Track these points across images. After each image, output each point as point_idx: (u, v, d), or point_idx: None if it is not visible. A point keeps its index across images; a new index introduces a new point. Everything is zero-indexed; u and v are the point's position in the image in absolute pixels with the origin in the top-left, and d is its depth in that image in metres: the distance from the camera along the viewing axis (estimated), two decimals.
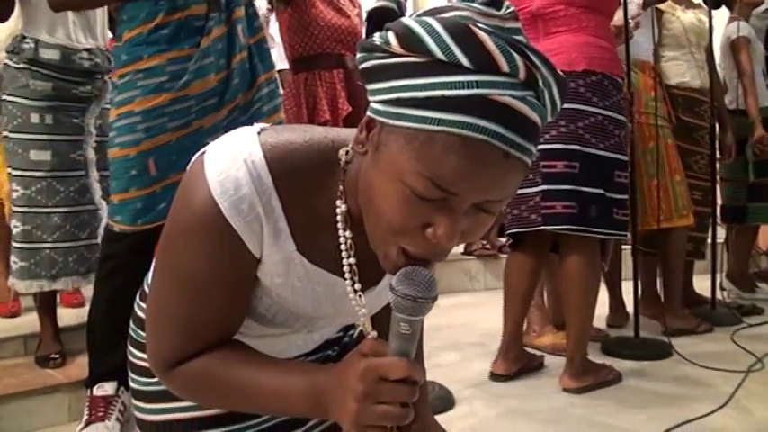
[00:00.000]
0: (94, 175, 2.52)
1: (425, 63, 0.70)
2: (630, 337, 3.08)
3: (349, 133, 0.87)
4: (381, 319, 0.90)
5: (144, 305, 1.04)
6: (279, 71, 3.71)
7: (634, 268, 3.20)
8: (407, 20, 0.72)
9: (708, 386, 2.51)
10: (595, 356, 2.89)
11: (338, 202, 0.84)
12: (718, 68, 3.93)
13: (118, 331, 2.05)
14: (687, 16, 3.59)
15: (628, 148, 2.68)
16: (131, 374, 1.08)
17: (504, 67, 0.68)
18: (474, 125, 0.68)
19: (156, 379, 0.97)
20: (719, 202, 4.00)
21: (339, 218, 0.85)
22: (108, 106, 2.29)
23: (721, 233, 4.08)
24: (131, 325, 1.09)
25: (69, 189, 2.43)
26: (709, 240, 3.72)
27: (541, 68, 0.70)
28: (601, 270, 2.64)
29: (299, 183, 0.83)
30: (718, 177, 3.86)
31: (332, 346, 1.15)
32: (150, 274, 1.07)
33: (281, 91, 2.58)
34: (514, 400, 2.41)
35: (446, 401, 2.36)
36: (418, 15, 0.73)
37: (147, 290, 1.05)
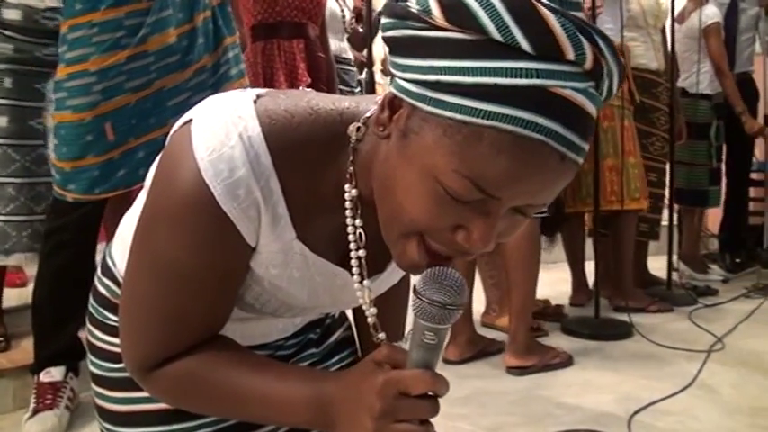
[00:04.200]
0: (52, 145, 2.35)
1: (476, 42, 0.59)
2: (590, 317, 3.08)
3: (359, 104, 0.76)
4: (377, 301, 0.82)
5: (107, 281, 0.93)
6: None
7: (594, 249, 3.20)
8: None
9: (671, 366, 2.51)
10: (555, 336, 2.89)
11: (347, 187, 0.74)
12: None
13: (66, 311, 1.96)
14: None
15: None
16: (92, 358, 0.96)
17: (570, 55, 0.58)
18: (531, 122, 0.58)
19: (122, 365, 0.86)
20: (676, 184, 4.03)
21: (348, 204, 0.74)
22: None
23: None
24: (91, 301, 0.97)
25: (26, 158, 2.24)
26: (664, 222, 3.75)
27: (608, 56, 0.60)
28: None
29: (302, 162, 0.72)
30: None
31: (314, 329, 1.06)
32: (113, 245, 0.95)
33: None
34: (480, 382, 2.37)
35: None
36: None
37: (109, 264, 0.94)
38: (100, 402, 0.95)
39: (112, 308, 0.91)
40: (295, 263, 0.77)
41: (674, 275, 3.76)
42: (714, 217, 4.73)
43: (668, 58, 3.64)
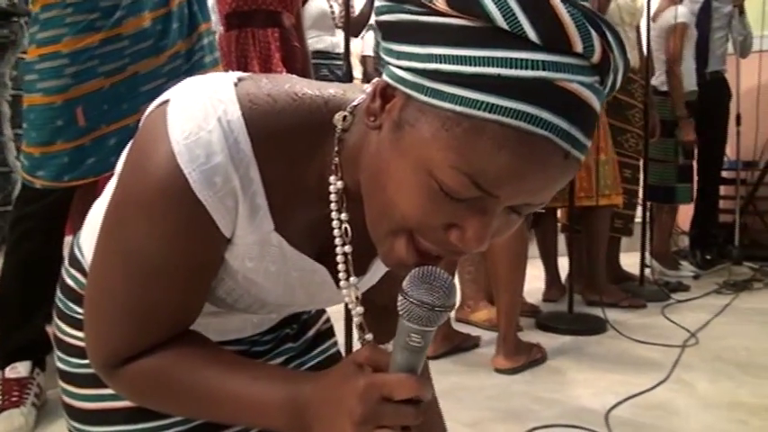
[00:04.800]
0: (9, 133, 2.27)
1: (479, 29, 0.56)
2: (565, 312, 3.08)
3: (346, 92, 0.73)
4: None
5: (75, 273, 0.88)
6: None
7: (568, 244, 3.20)
8: None
9: (646, 361, 2.51)
10: (530, 332, 2.88)
11: (332, 179, 0.70)
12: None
13: (32, 303, 1.89)
14: None
15: None
16: (59, 353, 0.91)
17: (578, 47, 0.55)
18: (536, 117, 0.55)
19: None
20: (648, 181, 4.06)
21: (333, 197, 0.70)
22: (26, 56, 2.05)
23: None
24: (58, 294, 0.92)
25: None
26: (637, 219, 3.77)
27: (615, 49, 0.57)
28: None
29: (284, 150, 0.68)
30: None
31: (290, 324, 1.01)
32: (81, 235, 0.90)
33: None
34: (456, 377, 2.35)
35: None
36: None
37: (77, 255, 0.89)
38: (67, 400, 0.90)
39: (80, 301, 0.85)
40: (271, 256, 0.73)
41: (647, 272, 3.78)
42: (685, 214, 4.77)
43: (643, 56, 3.66)
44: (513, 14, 0.54)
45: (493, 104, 0.55)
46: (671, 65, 3.95)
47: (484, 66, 0.55)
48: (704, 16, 4.24)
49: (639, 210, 3.82)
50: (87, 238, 0.87)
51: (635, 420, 1.96)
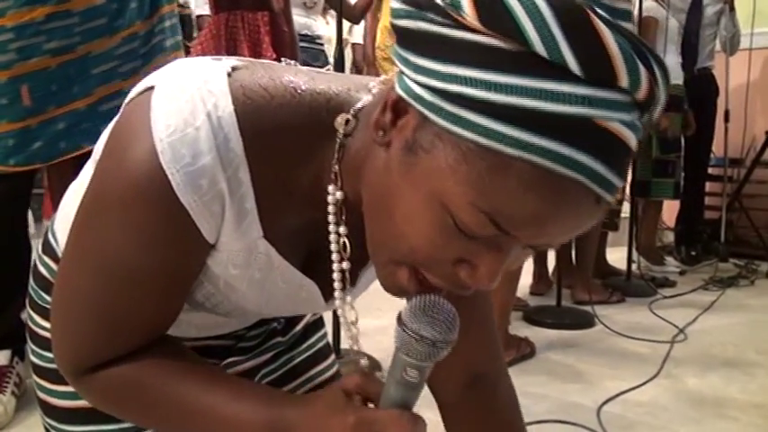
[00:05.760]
0: None
1: (513, 53, 0.49)
2: (553, 306, 3.06)
3: (350, 90, 0.66)
4: None
5: (48, 260, 0.82)
6: (198, 16, 3.45)
7: None
8: None
9: (635, 356, 2.49)
10: (518, 326, 2.85)
11: (331, 188, 0.64)
12: None
13: (5, 292, 1.80)
14: None
15: None
16: (32, 346, 0.85)
17: (624, 82, 0.49)
18: (570, 159, 0.49)
19: None
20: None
21: (331, 209, 0.64)
22: None
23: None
24: (31, 283, 0.85)
25: None
26: (624, 214, 3.75)
27: (661, 84, 0.51)
28: None
29: (278, 150, 0.62)
30: None
31: (277, 318, 0.96)
32: (55, 220, 0.83)
33: (196, 36, 2.36)
34: None
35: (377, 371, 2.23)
36: None
37: (51, 241, 0.82)
38: (42, 396, 0.84)
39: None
40: (258, 264, 0.67)
41: (636, 267, 3.77)
42: (671, 211, 4.77)
43: None
44: (554, 40, 0.48)
45: (523, 141, 0.49)
46: None
47: (515, 95, 0.49)
48: (694, 13, 4.23)
49: (626, 206, 3.80)
50: (61, 225, 0.80)
51: (627, 416, 1.93)
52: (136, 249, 0.62)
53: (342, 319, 0.72)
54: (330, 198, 0.64)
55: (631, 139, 0.52)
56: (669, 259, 4.46)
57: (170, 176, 0.58)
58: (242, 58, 0.66)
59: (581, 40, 0.48)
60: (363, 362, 0.73)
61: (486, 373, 0.90)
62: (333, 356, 1.03)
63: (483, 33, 0.50)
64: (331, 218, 0.65)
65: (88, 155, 0.76)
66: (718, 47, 4.41)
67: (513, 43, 0.49)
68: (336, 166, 0.63)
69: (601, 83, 0.49)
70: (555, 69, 0.48)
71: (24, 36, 1.65)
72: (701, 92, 4.23)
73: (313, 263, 0.71)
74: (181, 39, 1.96)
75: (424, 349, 0.57)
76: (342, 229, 0.66)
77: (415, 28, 0.53)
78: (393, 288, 0.62)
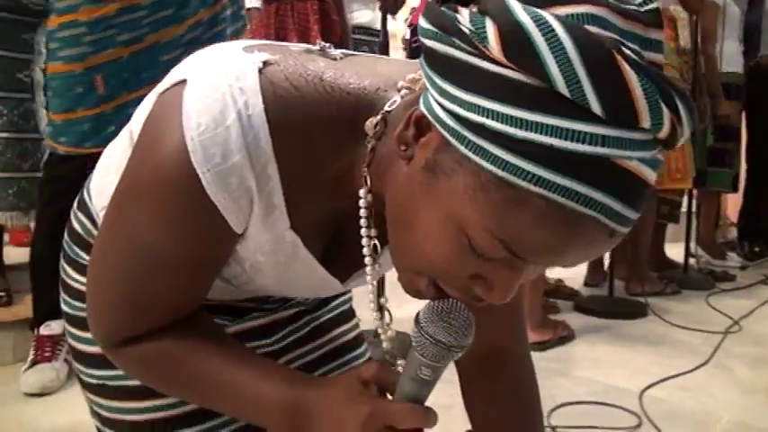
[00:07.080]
0: (41, 100, 2.28)
1: (536, 89, 0.49)
2: (604, 296, 3.02)
3: (380, 87, 0.66)
4: None
5: (82, 217, 0.86)
6: (247, 9, 3.53)
7: None
8: (521, 12, 0.49)
9: (686, 346, 2.44)
10: (567, 313, 2.83)
11: (362, 192, 0.65)
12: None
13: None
14: None
15: None
16: (64, 296, 0.89)
17: (646, 123, 0.49)
18: (586, 197, 0.49)
19: None
20: None
21: (363, 213, 0.66)
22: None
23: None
24: (65, 237, 0.90)
25: (13, 112, 2.17)
26: (683, 207, 3.67)
27: (685, 122, 0.51)
28: None
29: (305, 147, 0.63)
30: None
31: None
32: (91, 178, 0.88)
33: (248, 28, 2.41)
34: None
35: None
36: (535, 2, 0.50)
37: (86, 198, 0.87)
38: (72, 342, 0.89)
39: (86, 247, 0.84)
40: (284, 251, 0.70)
41: (692, 260, 3.68)
42: (734, 206, 4.63)
43: (694, 36, 3.53)
44: (578, 82, 0.48)
45: (541, 177, 0.49)
46: (704, 44, 3.79)
47: (536, 132, 0.49)
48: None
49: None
50: (96, 183, 0.85)
51: (670, 401, 1.90)
52: (165, 239, 0.64)
53: (377, 323, 0.74)
54: (362, 202, 0.66)
55: (650, 175, 0.52)
56: (731, 254, 4.33)
57: (201, 175, 0.60)
58: (275, 47, 0.67)
59: (605, 83, 0.48)
60: (401, 362, 0.74)
61: (506, 348, 0.92)
62: (356, 319, 1.06)
63: (506, 67, 0.50)
64: (363, 221, 0.66)
65: None
66: None
67: (535, 79, 0.49)
68: (365, 170, 0.64)
69: (622, 124, 0.49)
70: (576, 109, 0.49)
71: (97, 30, 1.75)
72: (763, 80, 4.08)
73: (333, 248, 0.74)
74: (242, 25, 2.03)
75: (438, 352, 0.60)
76: (373, 232, 0.67)
77: (442, 51, 0.54)
78: (412, 291, 0.64)
